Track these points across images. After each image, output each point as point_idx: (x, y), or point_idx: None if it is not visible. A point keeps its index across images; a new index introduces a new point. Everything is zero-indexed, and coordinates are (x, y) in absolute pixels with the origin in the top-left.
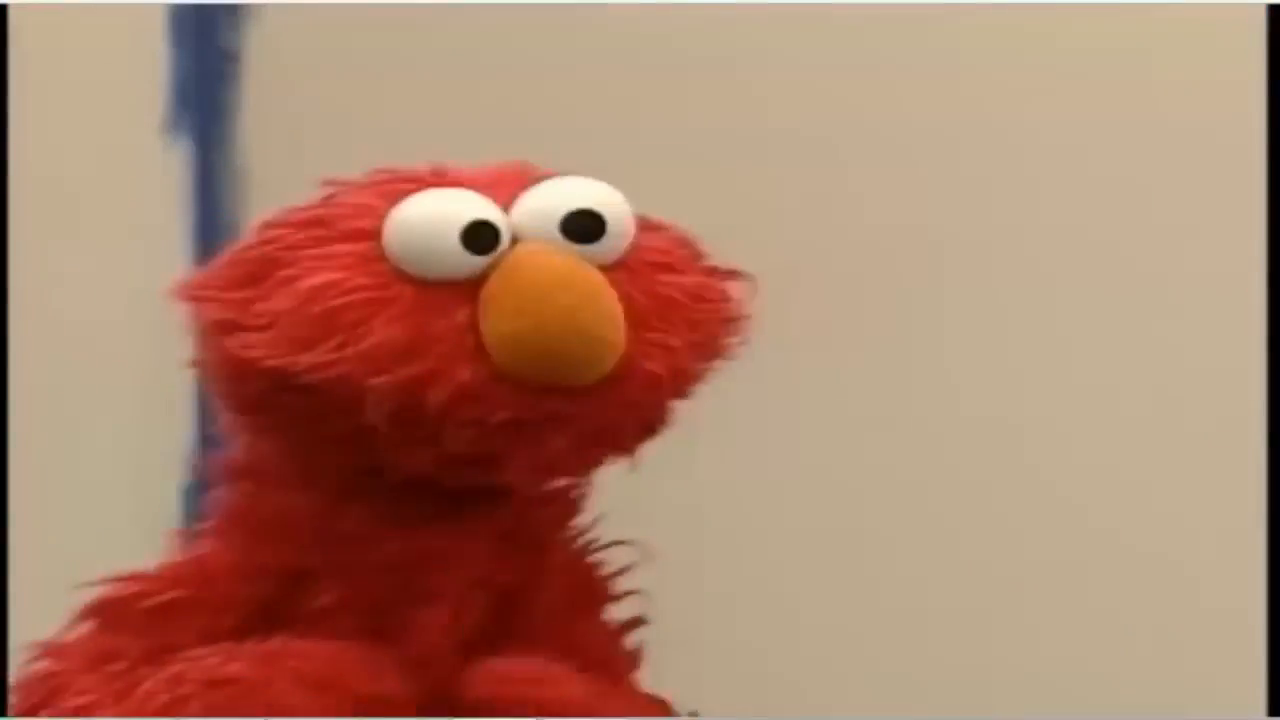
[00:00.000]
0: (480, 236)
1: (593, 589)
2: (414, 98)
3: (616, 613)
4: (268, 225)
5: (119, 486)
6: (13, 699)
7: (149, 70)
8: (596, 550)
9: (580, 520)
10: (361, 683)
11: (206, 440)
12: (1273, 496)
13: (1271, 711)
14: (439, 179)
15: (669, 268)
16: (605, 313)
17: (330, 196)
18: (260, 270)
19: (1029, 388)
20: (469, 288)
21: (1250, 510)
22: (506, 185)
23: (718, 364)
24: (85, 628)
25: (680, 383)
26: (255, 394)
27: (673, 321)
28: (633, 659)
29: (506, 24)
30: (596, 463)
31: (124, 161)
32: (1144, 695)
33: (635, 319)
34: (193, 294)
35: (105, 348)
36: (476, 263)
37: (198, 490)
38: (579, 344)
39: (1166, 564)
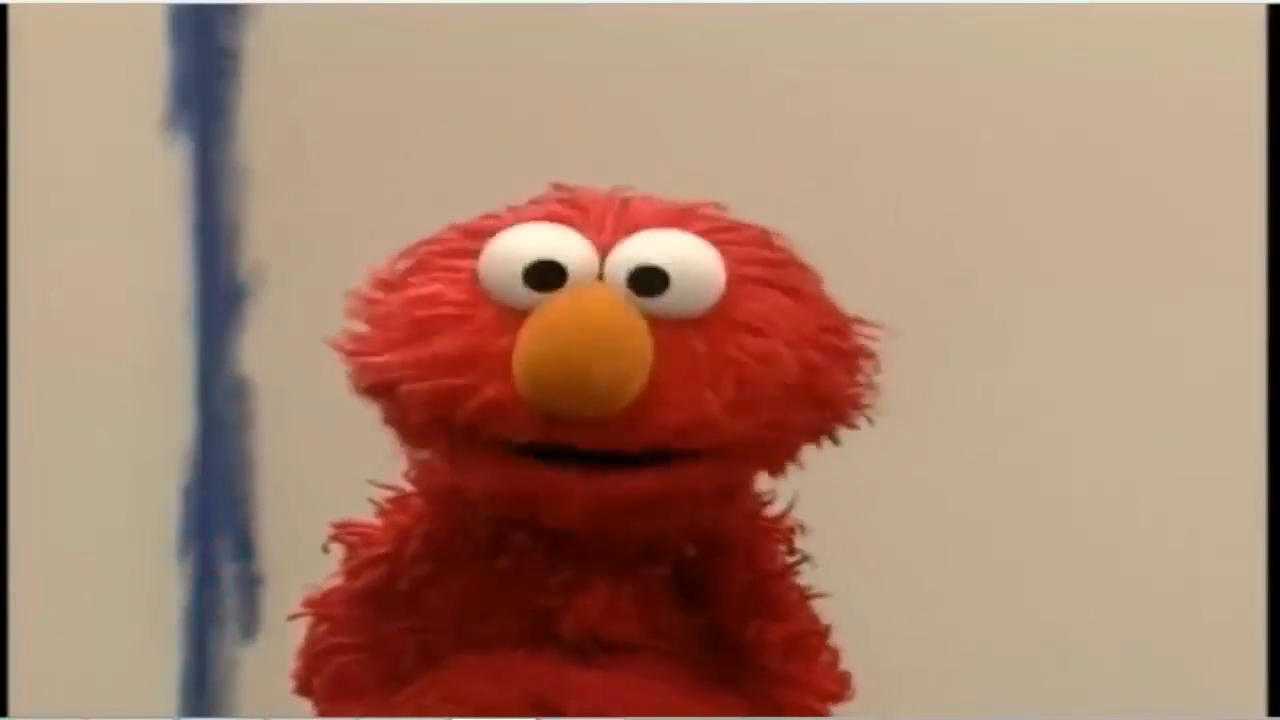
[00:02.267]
0: (541, 275)
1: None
2: (414, 97)
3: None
4: (449, 225)
5: (119, 486)
6: (302, 676)
7: (149, 68)
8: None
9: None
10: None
11: (207, 440)
12: (1273, 496)
13: (1271, 711)
14: (581, 209)
15: (755, 330)
16: (613, 355)
17: (520, 206)
18: (405, 272)
19: (1028, 387)
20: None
21: (1250, 510)
22: (620, 229)
23: (781, 431)
24: (360, 610)
25: (704, 436)
26: (360, 388)
27: (721, 379)
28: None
29: (506, 23)
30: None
31: (124, 160)
32: (1144, 695)
33: (687, 371)
34: (360, 286)
35: (105, 347)
36: (537, 297)
37: (198, 489)
38: (570, 378)
39: (1167, 564)
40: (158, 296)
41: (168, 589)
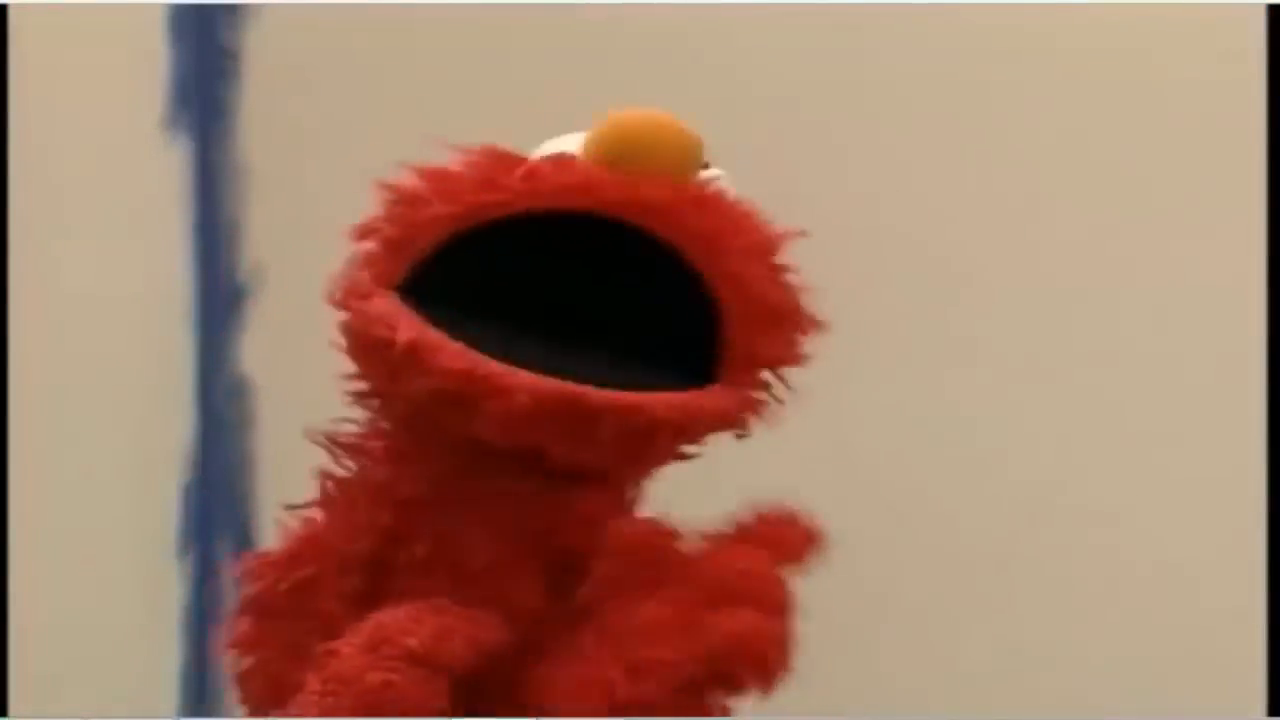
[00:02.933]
0: None
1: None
2: (413, 96)
3: None
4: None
5: (119, 486)
6: (242, 700)
7: (149, 68)
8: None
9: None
10: (455, 653)
11: (207, 440)
12: (1273, 496)
13: (1271, 711)
14: None
15: None
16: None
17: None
18: None
19: (1030, 387)
20: None
21: (1250, 510)
22: None
23: None
24: (250, 621)
25: None
26: None
27: None
28: None
29: (505, 23)
30: None
31: (124, 159)
32: (1144, 695)
33: None
34: None
35: (106, 347)
36: None
37: (198, 488)
38: (653, 123)
39: (1167, 564)
40: (158, 296)
41: (168, 588)
